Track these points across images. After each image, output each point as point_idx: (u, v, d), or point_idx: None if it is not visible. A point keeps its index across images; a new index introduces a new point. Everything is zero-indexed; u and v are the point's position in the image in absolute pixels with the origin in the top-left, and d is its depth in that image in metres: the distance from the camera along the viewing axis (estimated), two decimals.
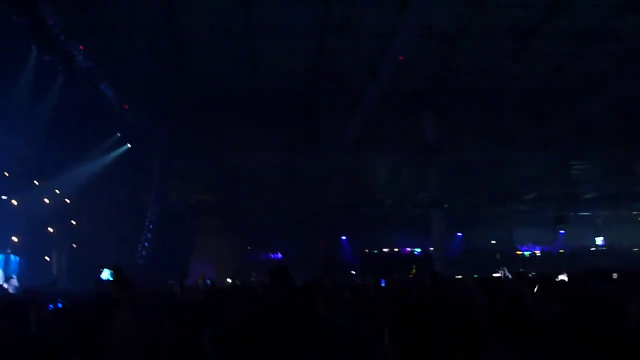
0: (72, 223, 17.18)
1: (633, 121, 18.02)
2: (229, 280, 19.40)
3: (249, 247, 24.45)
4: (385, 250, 25.71)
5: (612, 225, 29.78)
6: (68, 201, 16.82)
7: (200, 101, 16.60)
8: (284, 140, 19.27)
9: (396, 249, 25.81)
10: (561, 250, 27.26)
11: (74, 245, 17.20)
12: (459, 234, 26.36)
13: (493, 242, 28.30)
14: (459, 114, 17.82)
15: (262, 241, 23.87)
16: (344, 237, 23.94)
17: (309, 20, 12.78)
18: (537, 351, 2.28)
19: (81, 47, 10.66)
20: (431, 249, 21.37)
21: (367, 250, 23.63)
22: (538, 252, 27.35)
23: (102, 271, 12.90)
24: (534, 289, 5.07)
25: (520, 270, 11.35)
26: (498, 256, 25.50)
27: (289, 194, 20.17)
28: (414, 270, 13.45)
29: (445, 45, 14.60)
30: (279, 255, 23.86)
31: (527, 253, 27.28)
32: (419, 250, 24.67)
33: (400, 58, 11.10)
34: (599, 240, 30.50)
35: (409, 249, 25.35)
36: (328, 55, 14.36)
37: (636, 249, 26.84)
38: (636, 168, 21.62)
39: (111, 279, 3.80)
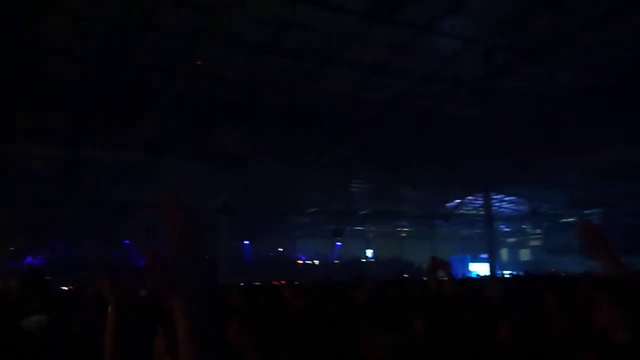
0: None
1: (401, 151, 20.68)
2: None
3: (12, 249, 21.58)
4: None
5: (379, 239, 33.66)
6: None
7: None
8: (66, 133, 17.47)
9: None
10: (336, 261, 29.73)
11: None
12: (246, 242, 26.99)
13: (281, 249, 29.67)
14: (257, 127, 18.32)
15: (31, 242, 21.29)
16: (126, 241, 22.68)
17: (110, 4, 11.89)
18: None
19: None
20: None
21: None
22: (317, 262, 29.40)
23: None
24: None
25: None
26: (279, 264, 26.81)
27: (67, 192, 18.38)
28: None
29: (251, 57, 14.94)
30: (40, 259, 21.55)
31: (308, 262, 29.17)
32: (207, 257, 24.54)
33: (199, 62, 11.00)
34: (369, 252, 34.13)
35: None
36: (129, 48, 13.51)
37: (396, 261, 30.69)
38: (400, 190, 24.83)
39: None
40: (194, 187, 21.70)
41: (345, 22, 13.53)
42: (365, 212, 26.02)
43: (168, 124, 14.70)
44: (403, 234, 34.80)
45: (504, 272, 26.67)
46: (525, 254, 36.69)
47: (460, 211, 28.64)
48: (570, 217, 28.50)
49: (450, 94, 15.31)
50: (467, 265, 32.94)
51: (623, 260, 2.27)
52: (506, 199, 28.86)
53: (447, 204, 27.42)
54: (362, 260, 31.71)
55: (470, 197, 27.95)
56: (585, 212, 26.67)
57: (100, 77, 15.09)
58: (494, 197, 28.26)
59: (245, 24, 11.67)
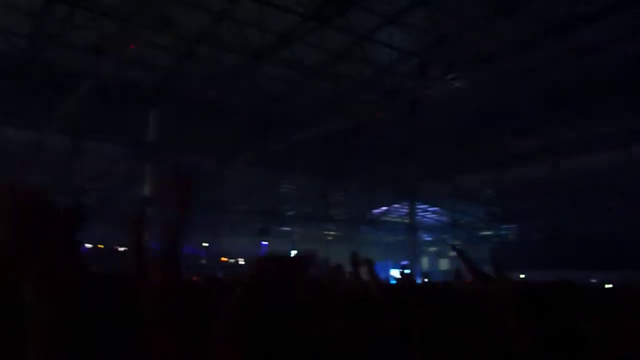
0: None
1: (334, 155, 20.80)
2: None
3: None
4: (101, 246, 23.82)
5: (306, 241, 33.72)
6: None
7: None
8: None
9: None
10: None
11: None
12: None
13: (206, 244, 28.96)
14: (185, 119, 17.79)
15: None
16: None
17: None
18: None
19: None
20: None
21: None
22: (242, 261, 28.95)
23: None
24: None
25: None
26: (204, 261, 26.23)
27: None
28: None
29: (184, 46, 14.55)
30: None
31: (232, 260, 28.64)
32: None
33: (132, 47, 10.54)
34: (294, 254, 34.08)
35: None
36: (54, 27, 12.71)
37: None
38: (330, 195, 25.00)
39: None
40: (118, 175, 20.82)
41: (287, 22, 13.51)
42: (292, 213, 25.99)
43: (91, 107, 13.95)
44: (329, 237, 35.04)
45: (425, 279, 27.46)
46: (444, 263, 37.92)
47: (386, 218, 29.26)
48: (487, 231, 29.85)
49: (382, 102, 15.63)
50: (389, 271, 33.60)
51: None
52: (430, 209, 29.80)
53: (374, 210, 27.93)
54: None
55: (396, 205, 28.61)
56: (502, 226, 28.03)
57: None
58: (419, 206, 29.08)
59: (182, 10, 11.32)
